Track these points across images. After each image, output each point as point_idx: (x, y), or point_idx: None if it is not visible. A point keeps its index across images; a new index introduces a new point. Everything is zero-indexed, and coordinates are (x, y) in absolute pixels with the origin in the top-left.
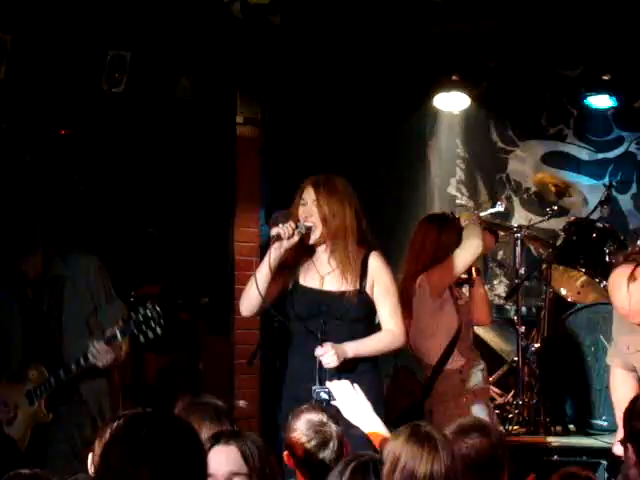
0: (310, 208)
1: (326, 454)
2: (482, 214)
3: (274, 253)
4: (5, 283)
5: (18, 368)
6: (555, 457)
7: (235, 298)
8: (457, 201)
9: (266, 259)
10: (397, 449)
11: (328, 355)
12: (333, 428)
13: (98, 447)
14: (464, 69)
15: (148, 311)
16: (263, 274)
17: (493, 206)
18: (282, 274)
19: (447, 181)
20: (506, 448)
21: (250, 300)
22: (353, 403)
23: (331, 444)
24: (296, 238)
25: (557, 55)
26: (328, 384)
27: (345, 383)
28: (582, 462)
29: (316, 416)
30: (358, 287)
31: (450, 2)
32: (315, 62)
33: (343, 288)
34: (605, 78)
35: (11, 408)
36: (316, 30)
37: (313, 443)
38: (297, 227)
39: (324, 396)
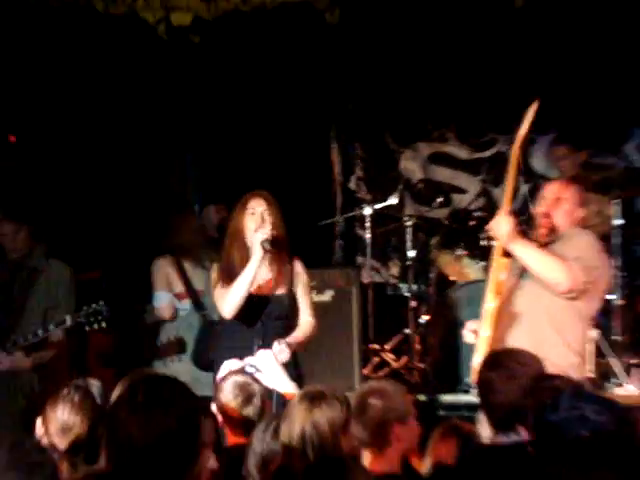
0: (262, 215)
1: (250, 410)
2: (377, 206)
3: (259, 258)
4: None
5: None
6: (441, 412)
7: None
8: (356, 195)
9: (253, 266)
10: (287, 407)
11: (283, 351)
12: (256, 387)
13: (51, 412)
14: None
15: (98, 306)
16: (250, 279)
17: (387, 199)
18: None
19: (348, 178)
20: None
21: (235, 305)
22: (274, 372)
23: (254, 400)
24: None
25: (440, 68)
26: (254, 359)
27: (268, 355)
28: (463, 416)
29: (241, 378)
30: (287, 291)
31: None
32: (234, 78)
33: (278, 292)
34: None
35: None
36: (231, 47)
37: (239, 400)
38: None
39: (251, 369)
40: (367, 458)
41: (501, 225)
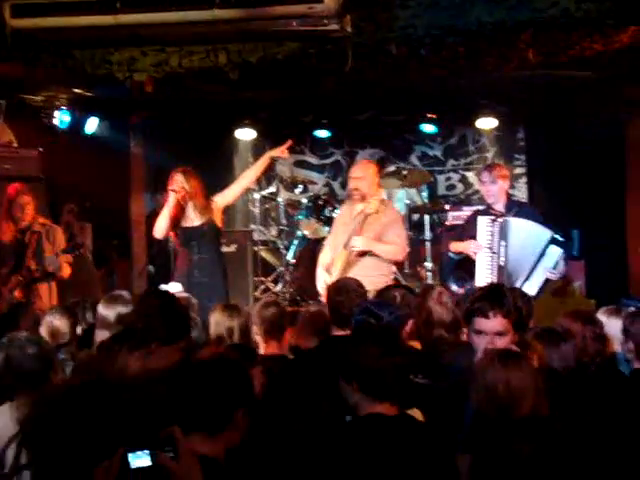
0: (182, 182)
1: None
2: (263, 193)
3: (172, 200)
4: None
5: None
6: None
7: (132, 239)
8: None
9: (170, 203)
10: (212, 314)
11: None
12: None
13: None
14: (253, 116)
15: (77, 244)
16: (166, 213)
17: (268, 188)
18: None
19: None
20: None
21: (161, 227)
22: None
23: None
24: (180, 193)
25: (298, 108)
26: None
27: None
28: None
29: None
30: (207, 221)
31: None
32: (174, 112)
33: (202, 222)
34: (324, 122)
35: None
36: (174, 95)
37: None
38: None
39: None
40: (268, 345)
41: (362, 242)
